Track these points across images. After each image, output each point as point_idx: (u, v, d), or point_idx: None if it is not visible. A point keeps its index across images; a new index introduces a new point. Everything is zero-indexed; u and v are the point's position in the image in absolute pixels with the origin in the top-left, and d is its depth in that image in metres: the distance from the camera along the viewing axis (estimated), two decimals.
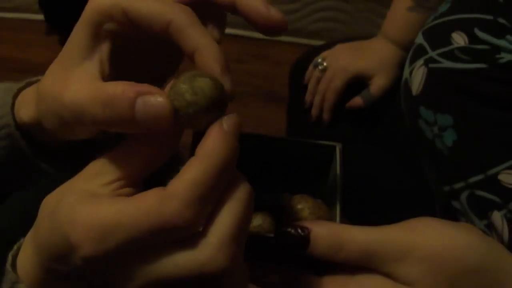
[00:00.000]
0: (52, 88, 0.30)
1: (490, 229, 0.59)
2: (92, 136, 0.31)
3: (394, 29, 0.87)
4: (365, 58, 0.88)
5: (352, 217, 0.87)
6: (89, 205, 0.26)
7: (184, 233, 0.25)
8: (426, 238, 0.30)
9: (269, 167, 0.40)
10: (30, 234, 0.30)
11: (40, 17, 1.64)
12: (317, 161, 0.38)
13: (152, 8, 0.29)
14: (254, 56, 1.50)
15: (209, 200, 0.25)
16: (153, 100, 0.26)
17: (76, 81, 0.29)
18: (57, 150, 0.39)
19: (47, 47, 1.62)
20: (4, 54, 1.62)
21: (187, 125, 0.27)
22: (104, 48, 0.30)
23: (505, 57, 0.56)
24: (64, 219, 0.26)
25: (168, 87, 0.28)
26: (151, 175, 0.30)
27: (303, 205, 0.36)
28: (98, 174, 0.28)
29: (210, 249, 0.25)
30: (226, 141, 0.26)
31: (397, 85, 0.75)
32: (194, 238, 0.25)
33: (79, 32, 0.30)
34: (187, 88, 0.26)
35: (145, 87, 0.26)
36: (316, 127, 0.91)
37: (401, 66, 0.82)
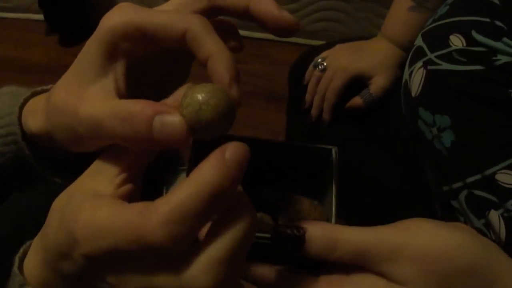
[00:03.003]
0: (66, 103, 0.31)
1: (488, 228, 0.60)
2: (102, 148, 0.32)
3: (394, 29, 0.87)
4: (365, 58, 0.87)
5: (352, 218, 0.87)
6: (91, 205, 0.27)
7: (162, 251, 0.25)
8: (419, 238, 0.31)
9: (266, 170, 0.40)
10: (38, 238, 0.31)
11: (40, 17, 1.65)
12: (314, 164, 0.39)
13: (166, 20, 0.29)
14: (254, 56, 1.50)
15: (193, 225, 0.25)
16: (170, 119, 0.27)
17: (92, 97, 0.30)
18: (61, 159, 0.40)
19: (47, 47, 1.62)
20: (4, 54, 1.62)
21: (196, 136, 0.28)
22: (119, 67, 0.31)
23: (502, 59, 0.57)
24: (70, 217, 0.27)
25: (179, 98, 0.28)
26: (152, 175, 0.31)
27: (299, 206, 0.36)
28: (100, 171, 0.29)
29: (194, 270, 0.25)
30: (223, 170, 0.25)
31: (397, 85, 0.75)
32: (180, 257, 0.26)
33: (93, 51, 0.30)
34: (197, 101, 0.27)
35: (162, 106, 0.27)
36: (316, 127, 0.91)
37: (401, 66, 0.82)
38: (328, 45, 0.93)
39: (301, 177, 0.39)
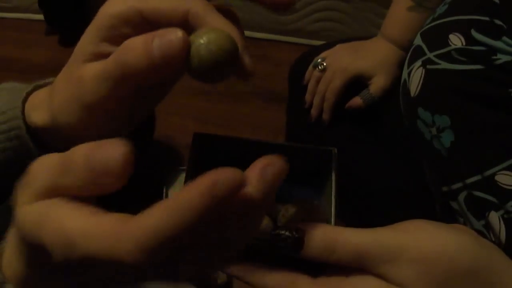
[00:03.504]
0: (68, 81, 0.33)
1: (487, 229, 0.60)
2: (105, 130, 0.33)
3: (394, 29, 0.87)
4: (365, 58, 0.87)
5: (351, 219, 0.87)
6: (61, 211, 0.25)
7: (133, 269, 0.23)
8: (418, 240, 0.31)
9: None
10: (11, 229, 0.30)
11: (40, 17, 1.64)
12: (313, 165, 0.39)
13: (167, 3, 0.30)
14: (254, 56, 1.48)
15: (172, 245, 0.23)
16: (168, 33, 0.27)
17: (94, 66, 0.31)
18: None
19: (47, 47, 1.62)
20: (4, 54, 1.62)
21: (198, 77, 0.28)
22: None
23: (502, 58, 0.57)
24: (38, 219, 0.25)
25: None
26: (152, 175, 0.30)
27: (298, 208, 0.36)
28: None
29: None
30: (207, 200, 0.22)
31: (397, 85, 0.75)
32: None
33: (92, 34, 0.32)
34: (202, 40, 0.27)
35: (161, 30, 0.28)
36: (316, 127, 0.91)
37: (400, 66, 0.82)
38: (328, 45, 0.92)
39: (301, 178, 0.39)
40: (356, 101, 0.87)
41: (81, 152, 0.24)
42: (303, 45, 1.53)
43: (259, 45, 1.55)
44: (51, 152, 0.39)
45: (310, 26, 1.55)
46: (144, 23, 0.31)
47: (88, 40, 0.32)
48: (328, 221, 0.36)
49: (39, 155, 0.38)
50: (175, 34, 0.27)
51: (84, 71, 0.32)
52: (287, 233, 0.31)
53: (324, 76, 0.88)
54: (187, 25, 0.30)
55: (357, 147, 0.88)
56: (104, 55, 0.31)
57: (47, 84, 0.40)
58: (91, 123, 0.33)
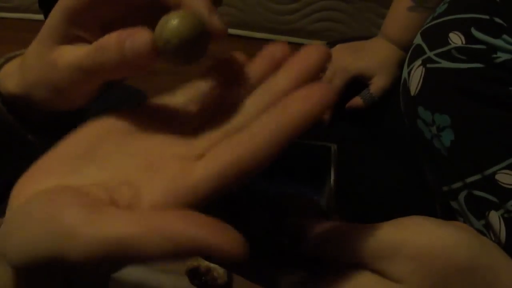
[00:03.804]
0: (41, 61, 0.34)
1: (488, 229, 0.60)
2: (78, 104, 0.34)
3: (394, 29, 0.87)
4: (365, 58, 0.87)
5: (351, 217, 0.87)
6: None
7: None
8: (416, 236, 0.30)
9: (265, 168, 0.40)
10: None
11: (40, 17, 1.64)
12: (313, 162, 0.39)
13: None
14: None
15: None
16: (138, 35, 0.28)
17: (68, 50, 0.33)
18: (41, 122, 0.40)
19: None
20: (4, 54, 1.62)
21: (169, 60, 0.29)
22: (89, 29, 0.34)
23: (502, 57, 0.56)
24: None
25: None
26: None
27: (297, 203, 0.36)
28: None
29: None
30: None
31: (397, 85, 0.75)
32: None
33: (57, 17, 0.33)
34: (167, 25, 0.28)
35: (132, 29, 0.29)
36: (316, 127, 0.91)
37: (401, 66, 0.82)
38: (328, 45, 0.92)
39: (300, 174, 0.39)
40: (356, 101, 0.87)
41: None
42: (303, 45, 1.53)
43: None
44: (28, 121, 0.39)
45: (310, 26, 1.55)
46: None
47: (57, 20, 0.33)
48: (327, 217, 0.36)
49: (17, 123, 0.39)
50: (144, 36, 0.28)
51: (58, 57, 0.33)
52: (286, 228, 0.31)
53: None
54: None
55: (357, 147, 0.88)
56: (75, 38, 0.33)
57: (18, 56, 0.41)
58: (64, 100, 0.35)
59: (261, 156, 0.26)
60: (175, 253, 0.22)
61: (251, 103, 0.31)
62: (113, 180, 0.27)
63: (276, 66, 0.32)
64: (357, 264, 0.31)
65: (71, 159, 0.28)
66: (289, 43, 0.34)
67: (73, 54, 0.32)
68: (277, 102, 0.27)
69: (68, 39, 0.33)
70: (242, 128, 0.27)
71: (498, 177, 0.57)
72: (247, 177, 0.26)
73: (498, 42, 0.57)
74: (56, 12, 0.33)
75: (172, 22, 0.28)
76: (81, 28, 0.33)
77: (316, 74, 0.31)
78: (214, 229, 0.22)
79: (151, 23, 0.34)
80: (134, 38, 0.28)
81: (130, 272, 0.98)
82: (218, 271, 0.94)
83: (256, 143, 0.26)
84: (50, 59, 0.33)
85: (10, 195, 0.27)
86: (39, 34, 0.35)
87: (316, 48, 0.31)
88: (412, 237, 0.30)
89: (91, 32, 0.34)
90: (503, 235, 0.57)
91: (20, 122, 0.39)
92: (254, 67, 0.33)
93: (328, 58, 0.31)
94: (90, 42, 0.32)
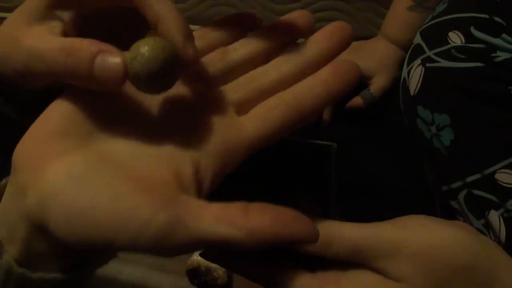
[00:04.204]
0: (9, 35, 0.31)
1: (487, 228, 0.59)
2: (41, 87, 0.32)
3: (394, 29, 0.87)
4: (365, 58, 0.87)
5: (351, 217, 0.87)
6: None
7: None
8: (417, 235, 0.30)
9: (265, 167, 0.40)
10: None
11: None
12: (313, 161, 0.38)
13: None
14: None
15: None
16: (111, 60, 0.27)
17: (37, 33, 0.30)
18: (18, 95, 0.38)
19: None
20: None
21: (140, 89, 0.28)
22: (67, 14, 0.31)
23: (501, 56, 0.56)
24: None
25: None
26: None
27: (297, 203, 0.36)
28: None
29: None
30: None
31: (397, 84, 0.75)
32: None
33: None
34: (140, 52, 0.27)
35: (107, 46, 0.27)
36: (316, 127, 0.91)
37: (401, 66, 0.82)
38: None
39: (300, 173, 0.39)
40: (356, 101, 0.87)
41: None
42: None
43: None
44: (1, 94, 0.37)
45: None
46: None
47: (36, 2, 0.31)
48: (327, 217, 0.36)
49: None
50: (115, 60, 0.27)
51: (22, 35, 0.30)
52: None
53: None
54: (133, 5, 0.30)
55: (357, 147, 0.88)
56: (52, 17, 0.31)
57: None
58: (24, 81, 0.32)
59: (304, 116, 0.31)
60: (264, 247, 0.24)
61: (274, 67, 0.33)
62: (158, 150, 0.28)
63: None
64: (357, 263, 0.31)
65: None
66: None
67: (42, 40, 0.29)
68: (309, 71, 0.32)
69: (45, 16, 0.31)
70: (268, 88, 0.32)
71: (498, 176, 0.57)
72: (289, 132, 0.31)
73: (497, 41, 0.57)
74: None
75: (144, 53, 0.27)
76: (63, 6, 0.31)
77: (339, 51, 0.35)
78: (297, 223, 0.25)
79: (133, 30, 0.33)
80: (106, 58, 0.27)
81: (130, 272, 0.98)
82: (218, 271, 0.93)
83: (301, 104, 0.31)
84: (17, 36, 0.30)
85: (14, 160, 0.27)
86: (18, 8, 0.32)
87: (341, 25, 0.35)
88: (413, 236, 0.30)
89: (72, 17, 0.31)
90: (503, 234, 0.57)
91: None
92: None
93: (350, 37, 0.35)
94: (64, 28, 0.31)
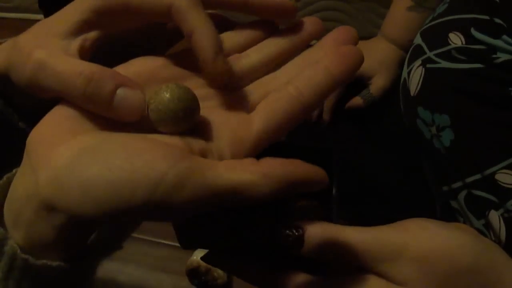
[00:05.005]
0: (28, 40, 0.30)
1: (487, 229, 0.60)
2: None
3: (394, 29, 0.87)
4: (365, 58, 0.87)
5: (352, 218, 0.87)
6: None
7: None
8: (419, 238, 0.30)
9: None
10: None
11: (40, 17, 1.64)
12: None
13: None
14: None
15: None
16: (133, 93, 0.27)
17: (54, 47, 0.29)
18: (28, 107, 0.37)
19: None
20: None
21: (157, 128, 0.28)
22: (91, 34, 0.31)
23: (502, 57, 0.57)
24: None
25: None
26: None
27: (298, 206, 0.36)
28: None
29: None
30: None
31: (397, 85, 0.75)
32: None
33: (71, 13, 0.31)
34: (161, 96, 0.28)
35: (130, 80, 0.28)
36: (316, 127, 0.91)
37: (401, 66, 0.82)
38: None
39: None
40: (356, 101, 0.87)
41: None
42: None
43: None
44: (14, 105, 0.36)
45: None
46: (126, 12, 0.30)
47: (65, 17, 0.31)
48: (328, 220, 0.36)
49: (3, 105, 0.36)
50: (137, 95, 0.27)
51: (38, 48, 0.29)
52: (286, 231, 0.31)
53: None
54: (170, 18, 0.30)
55: (357, 147, 0.88)
56: (75, 35, 0.30)
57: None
58: (33, 91, 0.31)
59: (308, 105, 0.31)
60: (279, 193, 0.25)
61: (283, 73, 0.34)
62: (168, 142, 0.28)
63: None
64: (359, 267, 0.31)
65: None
66: None
67: (52, 55, 0.28)
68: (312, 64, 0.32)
69: (71, 33, 0.30)
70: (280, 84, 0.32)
71: (498, 176, 0.57)
72: (295, 125, 0.31)
73: (497, 42, 0.57)
74: (72, 8, 0.31)
75: (164, 98, 0.27)
76: (97, 26, 0.31)
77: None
78: (305, 166, 0.26)
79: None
80: (127, 91, 0.27)
81: (130, 272, 0.98)
82: (218, 271, 0.94)
83: (303, 94, 0.31)
84: (30, 44, 0.29)
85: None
86: (42, 21, 0.32)
87: (347, 30, 0.35)
88: (414, 240, 0.30)
89: (97, 36, 0.31)
90: (503, 234, 0.57)
91: (12, 108, 0.36)
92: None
93: (356, 41, 0.35)
94: (82, 46, 0.30)
